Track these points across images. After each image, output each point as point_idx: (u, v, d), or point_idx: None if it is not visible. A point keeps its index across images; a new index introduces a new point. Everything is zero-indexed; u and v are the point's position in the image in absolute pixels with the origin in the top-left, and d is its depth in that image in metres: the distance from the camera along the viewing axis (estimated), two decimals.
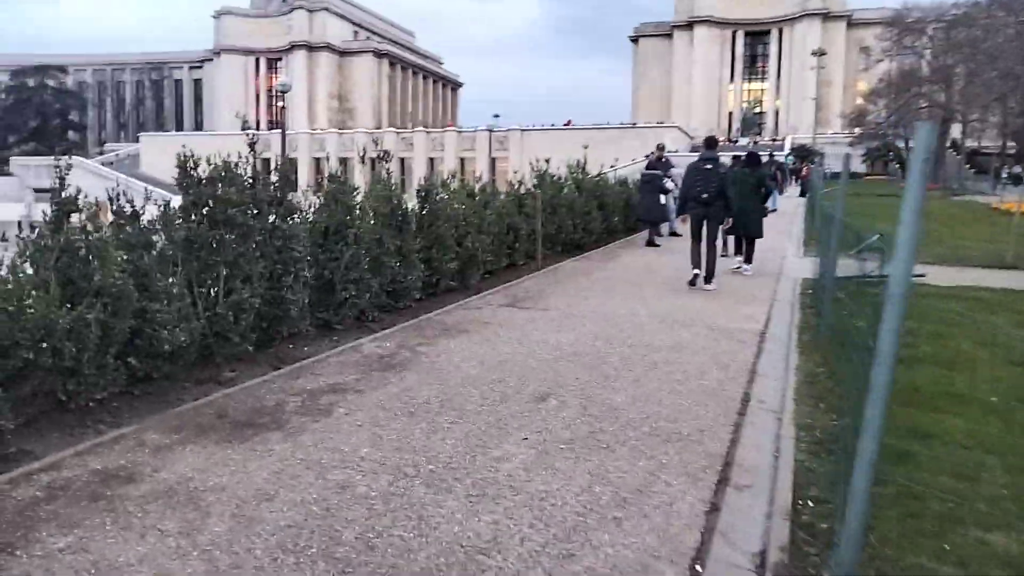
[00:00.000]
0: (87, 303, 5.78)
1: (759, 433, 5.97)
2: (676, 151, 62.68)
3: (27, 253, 5.57)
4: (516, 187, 15.68)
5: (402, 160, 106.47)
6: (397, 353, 8.13)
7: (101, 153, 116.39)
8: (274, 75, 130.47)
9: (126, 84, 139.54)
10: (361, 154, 10.73)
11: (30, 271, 5.55)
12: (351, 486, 4.73)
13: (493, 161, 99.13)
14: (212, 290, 7.43)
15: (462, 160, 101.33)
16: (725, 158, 15.99)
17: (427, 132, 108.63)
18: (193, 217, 7.26)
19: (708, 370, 7.68)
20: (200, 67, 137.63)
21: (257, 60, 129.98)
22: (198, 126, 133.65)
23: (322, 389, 6.79)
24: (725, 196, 12.93)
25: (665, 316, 10.46)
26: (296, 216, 8.32)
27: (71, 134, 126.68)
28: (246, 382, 6.99)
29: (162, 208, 6.97)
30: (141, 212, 6.75)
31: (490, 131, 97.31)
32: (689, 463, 5.23)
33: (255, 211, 7.72)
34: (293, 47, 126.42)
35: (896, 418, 5.49)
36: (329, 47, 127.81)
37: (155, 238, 6.87)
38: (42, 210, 6.08)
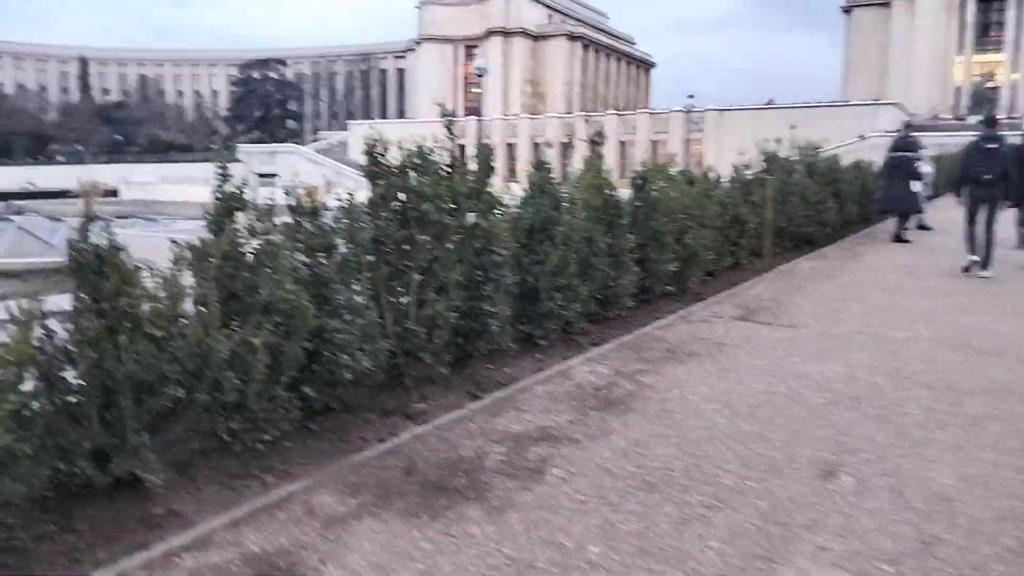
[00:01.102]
0: (254, 322, 4.71)
1: None
2: (891, 132, 55.91)
3: (186, 260, 4.53)
4: (740, 172, 13.51)
5: (593, 143, 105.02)
6: (615, 383, 6.54)
7: (315, 141, 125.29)
8: (471, 62, 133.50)
9: (338, 75, 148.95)
10: (568, 137, 9.19)
11: (188, 283, 4.52)
12: None
13: (687, 143, 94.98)
14: (401, 301, 6.24)
15: (654, 143, 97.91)
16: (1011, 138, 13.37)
17: (618, 115, 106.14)
18: (382, 213, 6.06)
19: None
20: (403, 57, 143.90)
21: (455, 48, 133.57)
22: (400, 114, 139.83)
23: (530, 434, 5.34)
24: (1008, 177, 12.01)
25: (958, 341, 8.05)
26: (497, 211, 6.93)
27: (290, 123, 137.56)
28: (439, 417, 5.70)
29: (345, 202, 5.81)
30: (321, 207, 5.62)
31: (692, 110, 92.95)
32: None
33: (453, 205, 6.41)
34: (490, 33, 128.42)
35: None
36: (524, 32, 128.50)
37: (337, 239, 5.73)
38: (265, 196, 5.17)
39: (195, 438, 4.74)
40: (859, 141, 68.24)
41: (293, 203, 5.50)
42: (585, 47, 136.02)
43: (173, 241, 4.46)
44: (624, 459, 4.95)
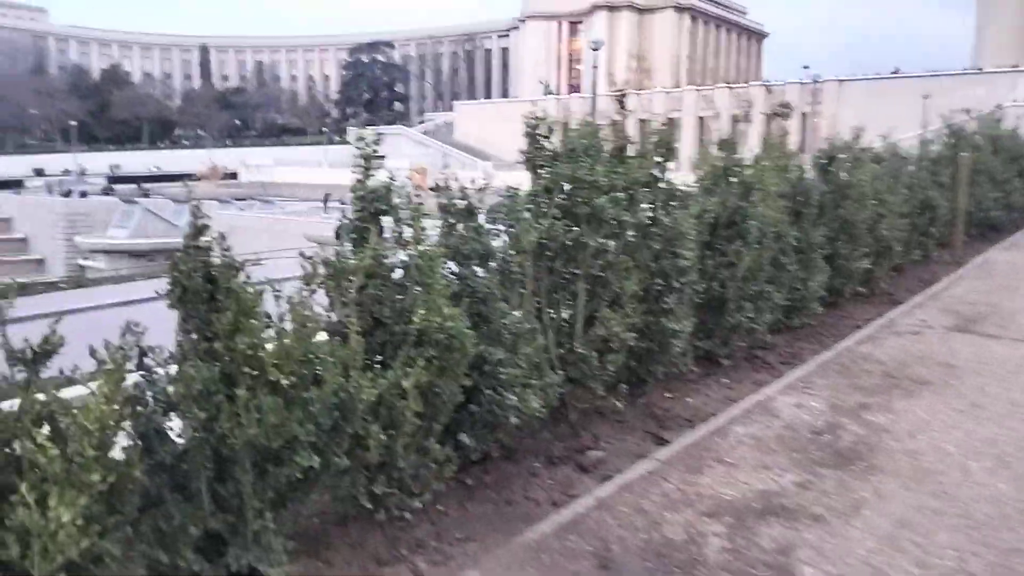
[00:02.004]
0: (404, 358, 3.61)
1: None
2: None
3: (319, 279, 3.46)
4: (925, 148, 11.58)
5: (701, 119, 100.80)
6: (838, 425, 5.12)
7: (421, 123, 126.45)
8: (575, 39, 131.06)
9: (443, 56, 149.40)
10: (743, 109, 7.69)
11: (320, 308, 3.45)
12: None
13: (804, 117, 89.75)
14: (564, 317, 5.04)
15: (768, 117, 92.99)
16: None
17: (730, 88, 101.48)
18: (545, 210, 4.83)
19: None
20: (507, 35, 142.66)
21: (559, 24, 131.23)
22: (504, 93, 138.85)
23: (751, 504, 4.04)
24: None
25: None
26: (677, 203, 5.60)
27: (397, 105, 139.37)
28: (622, 469, 4.48)
29: (507, 196, 4.63)
30: (477, 206, 4.46)
31: (816, 81, 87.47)
32: None
33: (628, 198, 5.13)
34: (595, 8, 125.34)
35: None
36: (631, 5, 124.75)
37: (495, 243, 4.57)
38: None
39: (329, 505, 3.71)
40: (996, 111, 62.11)
41: (444, 200, 4.37)
42: (694, 18, 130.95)
43: (303, 255, 3.38)
44: (898, 552, 3.57)
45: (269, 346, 3.14)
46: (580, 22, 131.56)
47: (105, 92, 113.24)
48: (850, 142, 8.71)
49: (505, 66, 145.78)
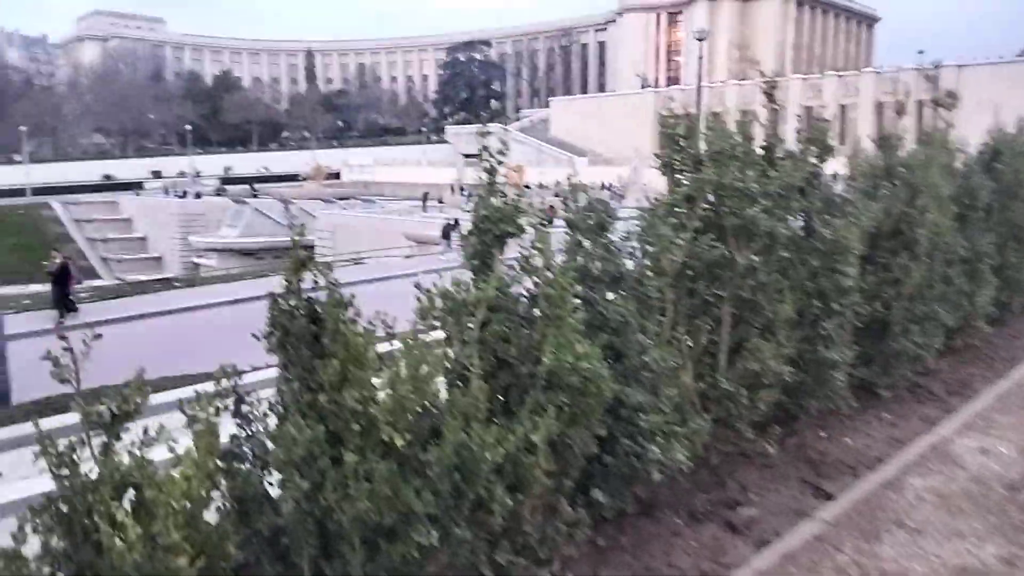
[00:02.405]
0: (532, 405, 3.07)
1: None
2: None
3: (434, 311, 2.96)
4: None
5: (808, 109, 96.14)
6: None
7: (517, 119, 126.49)
8: (674, 30, 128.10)
9: (539, 52, 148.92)
10: (900, 99, 6.79)
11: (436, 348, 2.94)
12: None
13: (920, 106, 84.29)
14: (705, 345, 4.37)
15: (880, 105, 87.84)
16: None
17: (839, 76, 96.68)
18: (686, 222, 4.18)
19: None
20: (604, 29, 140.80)
21: (658, 16, 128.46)
22: (601, 88, 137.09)
23: None
24: None
25: None
26: (837, 210, 4.83)
27: (493, 103, 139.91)
28: (781, 533, 3.80)
29: (645, 211, 4.01)
30: (609, 219, 3.86)
31: (937, 66, 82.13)
32: None
33: (781, 207, 4.42)
34: None
35: None
36: None
37: (628, 264, 3.97)
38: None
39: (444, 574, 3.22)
40: None
41: (570, 216, 3.79)
42: (799, 4, 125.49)
43: (418, 287, 2.88)
44: None
45: (381, 394, 2.65)
46: (679, 12, 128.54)
47: (217, 97, 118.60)
48: (1016, 135, 7.61)
49: (602, 61, 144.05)
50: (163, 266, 58.45)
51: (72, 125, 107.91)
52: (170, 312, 18.60)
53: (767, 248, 4.34)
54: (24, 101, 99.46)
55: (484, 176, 3.13)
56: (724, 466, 4.42)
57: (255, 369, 9.74)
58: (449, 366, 3.06)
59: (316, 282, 2.63)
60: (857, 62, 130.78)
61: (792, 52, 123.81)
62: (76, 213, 64.87)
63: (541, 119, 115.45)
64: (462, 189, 58.96)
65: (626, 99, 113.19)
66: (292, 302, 2.56)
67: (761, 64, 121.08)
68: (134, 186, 77.25)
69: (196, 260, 52.15)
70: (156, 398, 7.80)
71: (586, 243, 3.90)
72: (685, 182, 4.25)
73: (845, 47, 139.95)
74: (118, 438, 2.25)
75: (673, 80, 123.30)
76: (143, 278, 50.27)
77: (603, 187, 64.20)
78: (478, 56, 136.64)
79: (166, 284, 26.62)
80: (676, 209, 4.21)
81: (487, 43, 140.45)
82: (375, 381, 2.67)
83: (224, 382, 2.67)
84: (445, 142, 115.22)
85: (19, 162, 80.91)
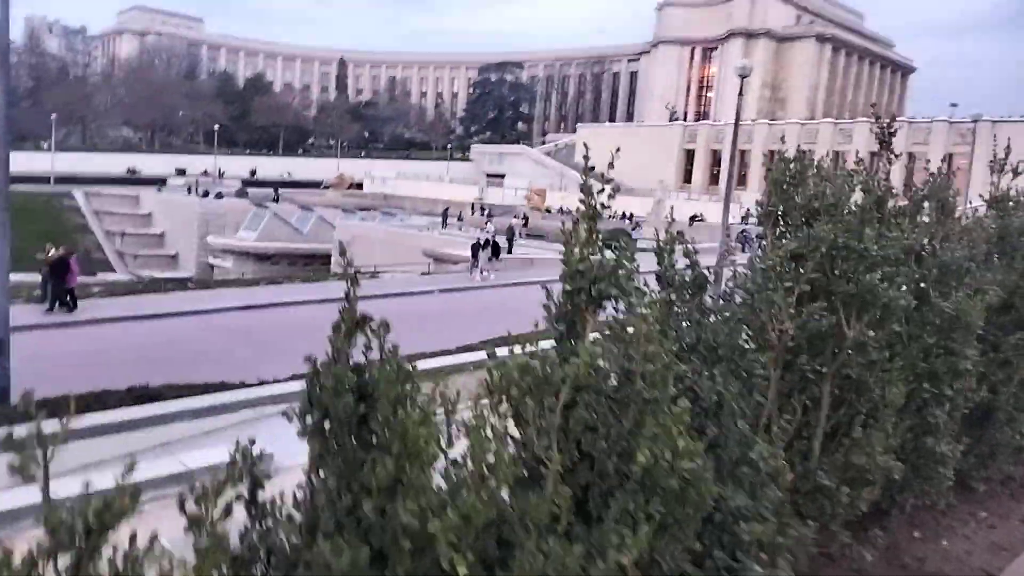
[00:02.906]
0: (617, 513, 2.42)
1: None
2: None
3: (507, 387, 2.33)
4: None
5: (836, 154, 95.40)
6: None
7: (543, 143, 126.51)
8: (707, 65, 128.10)
9: (570, 77, 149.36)
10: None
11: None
12: None
13: (950, 158, 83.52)
14: (800, 429, 3.72)
15: (911, 155, 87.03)
16: None
17: (871, 122, 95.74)
18: (790, 284, 3.54)
19: None
20: (637, 60, 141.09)
21: (692, 50, 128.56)
22: (629, 117, 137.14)
23: None
24: None
25: None
26: (953, 279, 4.17)
27: (520, 125, 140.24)
28: None
29: (744, 268, 3.38)
30: (708, 276, 3.23)
31: (974, 121, 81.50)
32: None
33: (900, 274, 3.77)
34: (730, 35, 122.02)
35: None
36: (768, 33, 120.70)
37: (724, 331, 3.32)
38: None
39: None
40: None
41: (662, 269, 3.16)
42: (835, 49, 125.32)
43: (491, 356, 2.26)
44: None
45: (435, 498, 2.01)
46: (714, 48, 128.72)
47: (248, 99, 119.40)
48: None
49: (632, 90, 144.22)
50: (179, 264, 58.27)
51: (102, 116, 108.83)
52: (174, 315, 18.05)
53: (880, 321, 3.69)
54: (57, 90, 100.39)
55: (582, 223, 2.50)
56: (808, 572, 3.74)
57: (261, 383, 9.15)
58: (522, 455, 2.42)
59: (367, 348, 2.01)
60: (890, 110, 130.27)
61: (824, 95, 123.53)
62: (97, 204, 64.94)
63: (567, 144, 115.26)
64: (482, 209, 58.58)
65: (653, 130, 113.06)
66: (337, 375, 1.93)
67: (790, 105, 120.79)
68: (157, 182, 77.42)
69: (212, 261, 51.87)
70: (154, 408, 7.12)
71: (677, 302, 3.28)
72: (791, 238, 3.62)
73: (878, 94, 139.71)
74: (93, 557, 1.63)
75: (703, 115, 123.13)
76: (157, 275, 50.04)
77: (623, 217, 63.75)
78: (509, 77, 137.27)
79: (180, 284, 26.20)
80: (779, 269, 3.58)
81: (519, 65, 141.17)
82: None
83: (239, 461, 2.06)
84: (469, 160, 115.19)
85: (47, 149, 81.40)
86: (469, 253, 26.82)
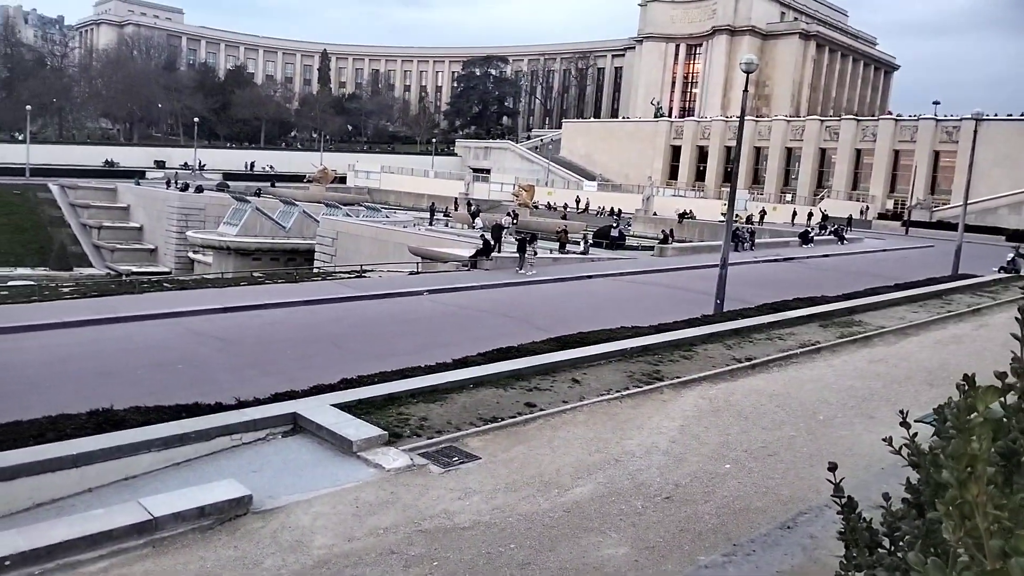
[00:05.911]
0: None
1: None
2: None
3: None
4: None
5: (823, 151, 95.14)
6: None
7: (528, 138, 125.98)
8: (692, 61, 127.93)
9: (555, 72, 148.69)
10: None
11: None
12: None
13: (935, 156, 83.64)
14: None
15: (896, 153, 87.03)
16: None
17: (857, 120, 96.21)
18: None
19: None
20: (622, 55, 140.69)
21: (677, 47, 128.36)
22: (614, 113, 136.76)
23: None
24: None
25: None
26: None
27: (505, 119, 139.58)
28: None
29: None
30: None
31: (960, 119, 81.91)
32: None
33: None
34: (715, 31, 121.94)
35: None
36: (753, 30, 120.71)
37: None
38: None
39: None
40: None
41: None
42: (819, 46, 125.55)
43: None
44: None
45: None
46: (699, 45, 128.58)
47: (228, 91, 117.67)
48: None
49: (617, 86, 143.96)
50: (157, 259, 57.12)
51: (79, 108, 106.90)
52: (145, 318, 17.16)
53: None
54: (33, 80, 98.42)
55: None
56: None
57: (240, 405, 8.38)
58: None
59: None
60: (873, 108, 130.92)
61: (808, 92, 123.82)
62: (73, 197, 63.60)
63: (552, 139, 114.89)
64: (469, 204, 57.80)
65: (639, 126, 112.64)
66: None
67: (775, 102, 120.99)
68: (136, 174, 76.02)
69: (192, 256, 50.81)
70: (118, 438, 6.26)
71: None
72: None
73: (862, 92, 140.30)
74: None
75: (687, 111, 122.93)
76: (136, 270, 48.88)
77: (611, 213, 63.22)
78: (493, 71, 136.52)
79: (156, 285, 25.33)
80: None
81: (504, 59, 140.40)
82: None
83: None
84: (454, 154, 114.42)
85: (22, 141, 79.71)
86: (481, 249, 27.52)
